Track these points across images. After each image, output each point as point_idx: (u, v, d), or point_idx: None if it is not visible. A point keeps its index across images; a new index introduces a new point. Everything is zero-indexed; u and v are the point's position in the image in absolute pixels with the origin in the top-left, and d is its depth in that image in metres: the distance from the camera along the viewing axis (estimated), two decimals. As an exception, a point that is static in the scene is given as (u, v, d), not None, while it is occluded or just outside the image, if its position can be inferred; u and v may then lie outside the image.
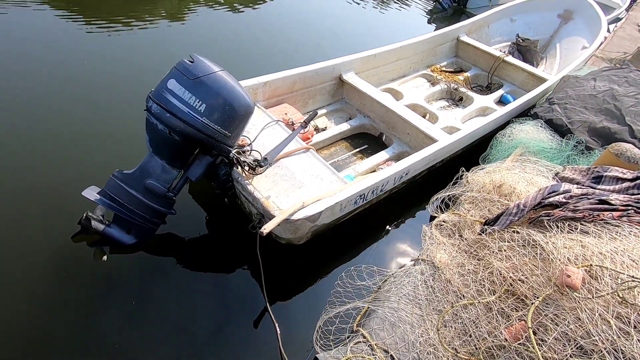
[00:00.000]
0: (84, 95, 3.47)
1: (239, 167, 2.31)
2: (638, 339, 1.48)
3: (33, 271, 2.12)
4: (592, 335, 1.56)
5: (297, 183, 2.47)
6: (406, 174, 2.90)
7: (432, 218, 2.75)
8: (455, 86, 4.54)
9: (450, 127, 3.72)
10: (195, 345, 2.03)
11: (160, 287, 2.22)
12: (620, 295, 1.62)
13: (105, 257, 2.22)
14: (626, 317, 1.56)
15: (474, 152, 3.49)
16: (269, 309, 2.18)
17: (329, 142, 3.51)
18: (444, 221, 2.60)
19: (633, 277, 1.65)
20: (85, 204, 2.06)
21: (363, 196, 2.57)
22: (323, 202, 2.27)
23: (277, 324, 2.10)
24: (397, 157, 3.44)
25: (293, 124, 3.08)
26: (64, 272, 2.14)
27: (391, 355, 1.82)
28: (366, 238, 2.83)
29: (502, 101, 4.50)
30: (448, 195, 2.80)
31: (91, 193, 2.05)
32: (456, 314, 1.96)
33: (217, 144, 2.10)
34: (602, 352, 1.52)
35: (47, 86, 3.50)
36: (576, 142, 3.13)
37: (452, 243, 2.38)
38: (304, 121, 2.90)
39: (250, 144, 2.54)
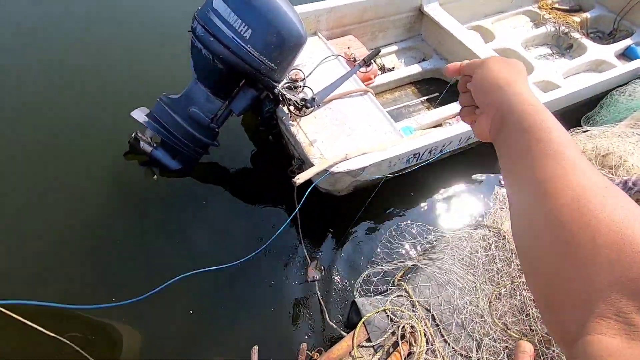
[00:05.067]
0: (137, 9, 3.48)
1: (285, 105, 2.14)
2: None
3: (91, 182, 2.32)
4: None
5: (347, 129, 2.24)
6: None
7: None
8: (567, 30, 3.64)
9: (546, 82, 3.03)
10: (226, 279, 2.10)
11: (200, 215, 2.30)
12: None
13: (155, 177, 2.32)
14: None
15: (574, 111, 2.85)
16: (305, 251, 2.15)
17: (394, 85, 3.12)
18: (522, 185, 2.23)
19: None
20: (136, 124, 2.12)
21: (417, 155, 2.26)
22: (369, 156, 2.03)
23: (309, 263, 2.07)
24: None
25: (355, 60, 2.75)
26: (117, 186, 2.31)
27: (432, 315, 1.70)
28: (419, 195, 2.57)
29: (626, 55, 3.51)
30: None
31: (140, 115, 2.08)
32: (515, 290, 1.73)
33: (262, 77, 1.92)
34: None
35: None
36: None
37: None
38: (363, 60, 2.56)
39: (304, 79, 2.32)
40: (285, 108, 2.18)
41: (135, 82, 2.88)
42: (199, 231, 2.24)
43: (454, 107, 2.92)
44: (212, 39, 1.80)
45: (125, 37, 3.25)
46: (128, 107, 2.14)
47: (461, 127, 2.31)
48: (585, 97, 2.83)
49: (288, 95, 2.11)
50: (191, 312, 1.95)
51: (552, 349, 1.45)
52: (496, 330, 1.62)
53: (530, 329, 1.58)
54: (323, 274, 2.04)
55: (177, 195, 2.34)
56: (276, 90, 2.05)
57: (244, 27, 1.78)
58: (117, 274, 2.03)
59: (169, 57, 3.07)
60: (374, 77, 2.93)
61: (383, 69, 3.12)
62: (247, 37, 1.80)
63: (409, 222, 2.16)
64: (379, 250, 2.08)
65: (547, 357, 1.47)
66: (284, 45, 1.87)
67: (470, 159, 2.74)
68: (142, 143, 2.16)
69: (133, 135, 2.16)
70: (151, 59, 3.09)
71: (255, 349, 1.39)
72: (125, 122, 2.21)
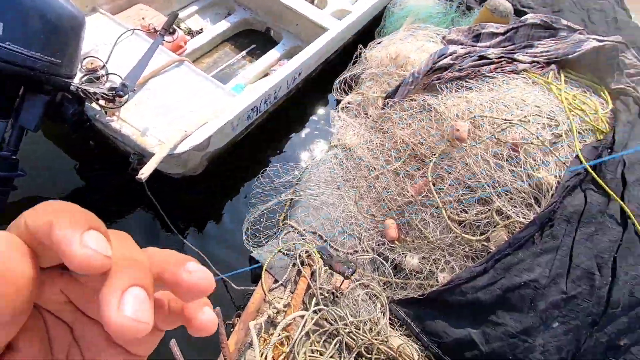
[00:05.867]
0: None
1: (92, 101, 1.85)
2: (509, 169, 1.69)
3: None
4: (477, 174, 1.75)
5: (176, 106, 2.11)
6: (299, 74, 2.68)
7: (339, 103, 2.71)
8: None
9: (340, 11, 3.40)
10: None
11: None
12: (496, 137, 1.78)
13: None
14: (500, 154, 1.74)
15: (369, 28, 3.34)
16: (183, 239, 2.07)
17: (209, 47, 3.02)
18: (349, 103, 2.60)
19: (505, 119, 1.80)
20: None
21: (256, 109, 2.33)
22: (209, 126, 2.00)
23: (198, 249, 2.02)
24: (290, 54, 3.12)
25: (156, 30, 2.52)
26: None
27: (319, 235, 1.91)
28: (273, 143, 2.70)
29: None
30: (350, 77, 2.74)
31: None
32: (370, 186, 2.09)
33: (46, 76, 1.59)
34: (483, 185, 1.73)
35: None
36: (458, 3, 3.12)
37: (359, 122, 2.41)
38: (163, 28, 2.37)
39: (104, 65, 2.03)
40: (94, 104, 1.90)
41: None
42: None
43: (274, 54, 3.05)
44: (-57, 46, 1.37)
45: None
46: None
47: (285, 70, 2.45)
48: (372, 15, 3.32)
49: (92, 90, 1.82)
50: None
51: (405, 214, 1.87)
52: (367, 221, 1.96)
53: (388, 209, 1.97)
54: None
55: None
56: (73, 88, 1.74)
57: (-13, 20, 1.41)
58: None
59: None
60: (185, 43, 2.77)
61: (191, 34, 2.96)
62: (0, 32, 1.44)
63: (273, 168, 2.28)
64: (255, 204, 2.15)
65: (405, 222, 1.88)
66: (57, 31, 1.57)
67: (303, 97, 2.97)
68: None
69: None
70: None
71: (173, 342, 1.34)
72: None
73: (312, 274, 1.74)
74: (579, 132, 1.76)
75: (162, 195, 1.95)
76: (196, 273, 0.22)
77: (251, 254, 1.81)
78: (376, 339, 1.60)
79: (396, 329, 1.67)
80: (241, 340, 1.53)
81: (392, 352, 1.58)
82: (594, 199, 1.57)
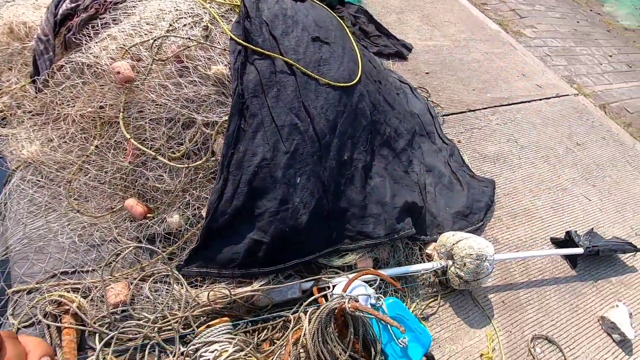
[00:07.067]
0: None
1: None
2: (187, 82, 1.63)
3: None
4: (166, 103, 1.64)
5: None
6: None
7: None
8: None
9: None
10: None
11: None
12: (157, 59, 1.66)
13: None
14: (171, 72, 1.65)
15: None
16: None
17: None
18: (-3, 111, 1.98)
19: (155, 38, 1.67)
20: None
21: None
22: None
23: None
24: None
25: None
26: None
27: (61, 272, 1.54)
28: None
29: None
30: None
31: None
32: (84, 184, 1.75)
33: None
34: (178, 111, 1.64)
35: None
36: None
37: (25, 127, 1.88)
38: None
39: None
40: None
41: None
42: None
43: None
44: None
45: None
46: None
47: None
48: None
49: None
50: None
51: (136, 184, 1.66)
52: (107, 219, 1.67)
53: (121, 192, 1.71)
54: None
55: None
56: None
57: None
58: None
59: None
60: None
61: None
62: None
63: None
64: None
65: (141, 192, 1.68)
66: None
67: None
68: None
69: None
70: None
71: None
72: None
73: (76, 316, 1.41)
74: (222, 16, 1.81)
75: None
76: None
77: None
78: (187, 311, 1.49)
79: (201, 285, 1.59)
80: None
81: (208, 308, 1.52)
82: (262, 66, 1.69)
